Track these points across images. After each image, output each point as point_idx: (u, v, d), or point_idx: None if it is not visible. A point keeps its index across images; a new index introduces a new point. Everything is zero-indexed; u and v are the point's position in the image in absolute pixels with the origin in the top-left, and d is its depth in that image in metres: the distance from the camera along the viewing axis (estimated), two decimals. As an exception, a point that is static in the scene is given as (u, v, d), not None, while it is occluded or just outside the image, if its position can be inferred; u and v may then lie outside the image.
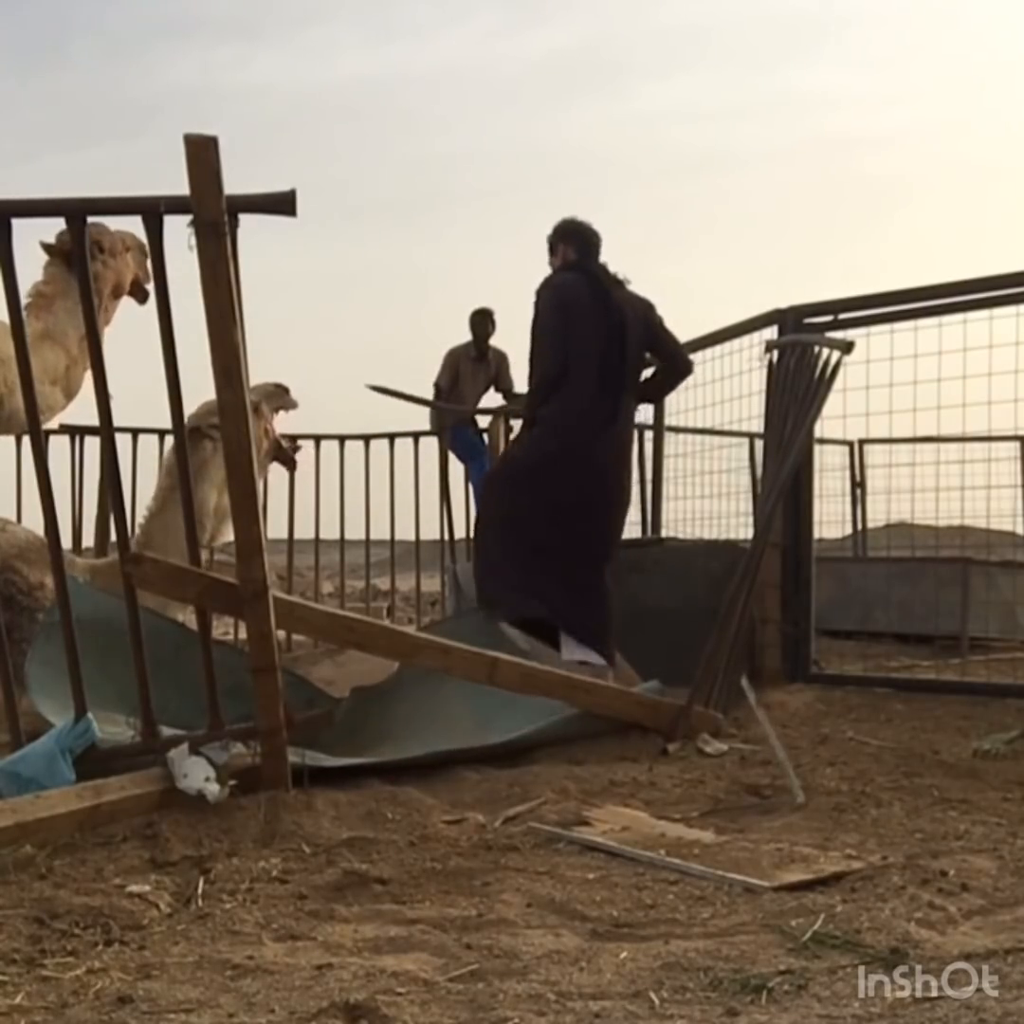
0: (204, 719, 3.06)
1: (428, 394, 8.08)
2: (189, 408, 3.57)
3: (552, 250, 4.76)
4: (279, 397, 4.76)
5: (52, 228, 4.06)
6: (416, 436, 7.37)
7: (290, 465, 5.32)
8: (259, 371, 4.52)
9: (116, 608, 3.17)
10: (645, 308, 4.72)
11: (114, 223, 4.19)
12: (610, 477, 4.55)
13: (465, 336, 8.22)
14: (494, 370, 8.23)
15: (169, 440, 4.58)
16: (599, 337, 4.50)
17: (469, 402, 8.01)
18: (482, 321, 8.13)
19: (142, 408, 4.64)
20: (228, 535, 4.61)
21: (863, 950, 1.94)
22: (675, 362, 4.93)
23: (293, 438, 5.15)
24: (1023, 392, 4.55)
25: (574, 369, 4.51)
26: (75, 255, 3.03)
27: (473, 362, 8.08)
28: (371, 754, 3.55)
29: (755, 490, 6.80)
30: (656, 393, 5.13)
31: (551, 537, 4.51)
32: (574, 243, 4.68)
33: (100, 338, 2.98)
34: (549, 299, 4.60)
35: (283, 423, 4.96)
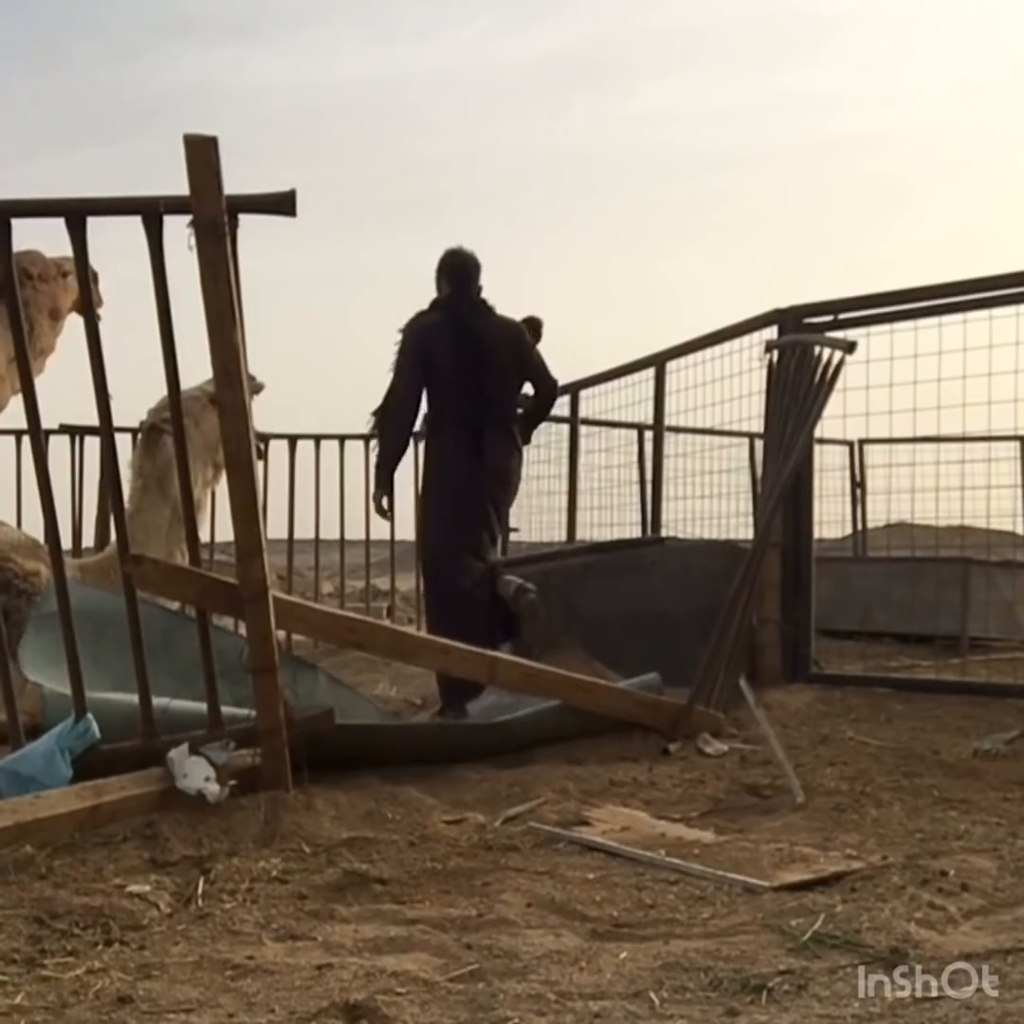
0: (198, 699, 3.07)
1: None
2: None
3: (436, 283, 4.87)
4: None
5: (52, 228, 4.07)
6: (415, 435, 7.35)
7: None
8: (258, 371, 4.51)
9: (102, 599, 3.17)
10: (512, 334, 4.85)
11: (114, 223, 4.20)
12: (482, 502, 4.71)
13: None
14: None
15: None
16: (458, 372, 4.65)
17: None
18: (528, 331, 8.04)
19: (142, 408, 4.63)
20: (202, 524, 4.61)
21: (863, 950, 1.94)
22: (539, 390, 5.05)
23: (263, 437, 4.87)
24: (1023, 392, 4.55)
25: (439, 406, 4.73)
26: (76, 255, 3.03)
27: None
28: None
29: (755, 490, 6.80)
30: (526, 425, 5.18)
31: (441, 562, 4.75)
32: (448, 277, 4.78)
33: (100, 347, 2.98)
34: (407, 339, 4.74)
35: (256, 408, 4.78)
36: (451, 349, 4.66)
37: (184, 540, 3.85)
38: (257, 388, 4.58)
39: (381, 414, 4.86)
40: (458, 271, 4.78)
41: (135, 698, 3.03)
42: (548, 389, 5.05)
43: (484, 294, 4.82)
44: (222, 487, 3.83)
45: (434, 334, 4.69)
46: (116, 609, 3.18)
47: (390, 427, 4.83)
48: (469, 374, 4.64)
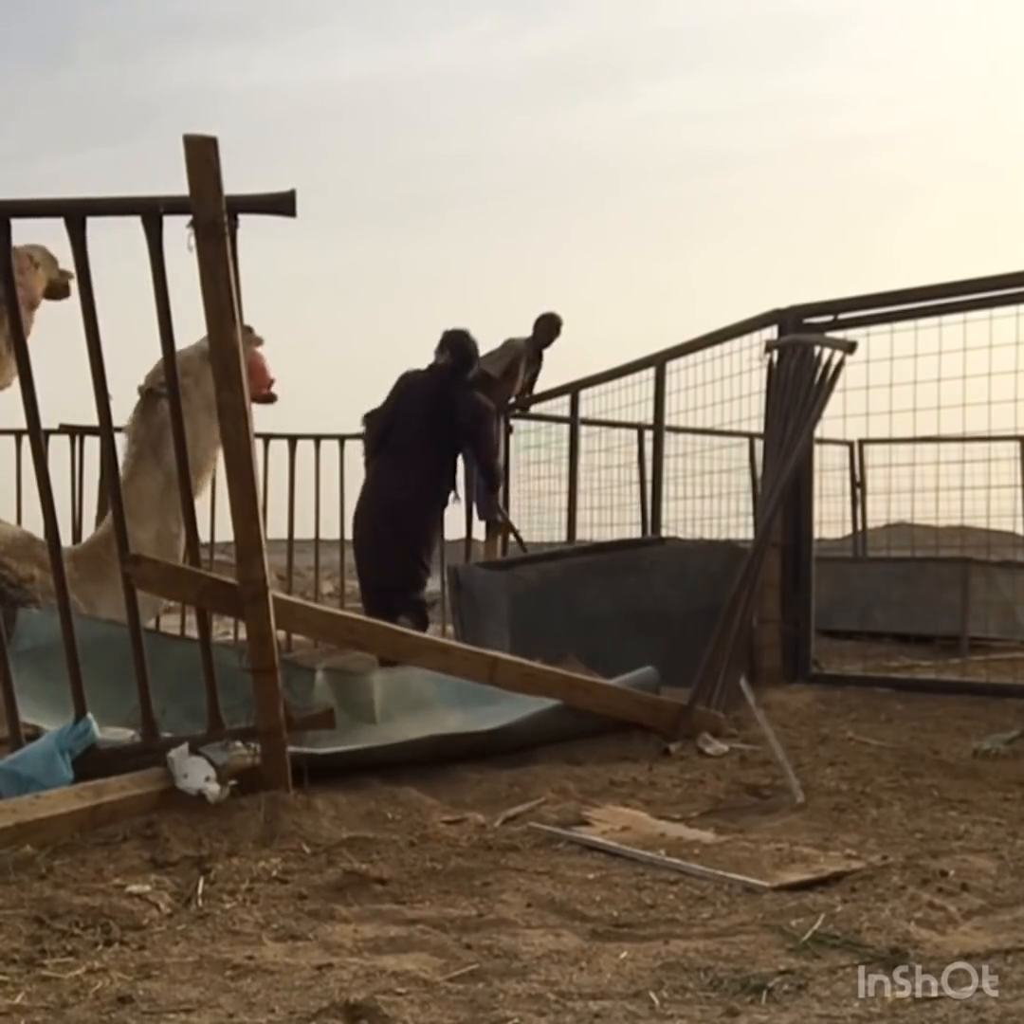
0: (186, 720, 3.07)
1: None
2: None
3: (438, 349, 5.92)
4: (244, 338, 4.61)
5: (52, 228, 4.06)
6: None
7: (268, 400, 5.11)
8: (259, 371, 4.49)
9: (82, 628, 3.13)
10: (477, 413, 5.92)
11: (114, 223, 4.21)
12: (375, 531, 5.86)
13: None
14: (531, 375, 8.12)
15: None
16: (417, 421, 5.73)
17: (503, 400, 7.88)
18: (548, 328, 8.01)
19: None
20: (204, 489, 4.56)
21: (863, 950, 1.94)
22: (478, 462, 6.19)
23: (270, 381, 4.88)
24: (1023, 392, 4.56)
25: (393, 442, 5.80)
26: (75, 256, 3.02)
27: (527, 362, 7.98)
28: (359, 743, 3.52)
29: (755, 490, 6.81)
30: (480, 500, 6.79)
31: (359, 570, 6.14)
32: (452, 351, 5.88)
33: (100, 347, 2.98)
34: (394, 385, 5.93)
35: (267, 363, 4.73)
36: (419, 400, 5.75)
37: (180, 508, 3.82)
38: (258, 341, 4.59)
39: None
40: (460, 350, 5.85)
41: (122, 732, 3.02)
42: (483, 463, 6.13)
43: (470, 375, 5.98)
44: (222, 486, 3.82)
45: (410, 384, 5.83)
46: (96, 636, 3.16)
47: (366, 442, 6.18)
48: (429, 424, 5.71)
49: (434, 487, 5.96)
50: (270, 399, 4.80)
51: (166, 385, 3.08)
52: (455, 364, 5.86)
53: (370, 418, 6.10)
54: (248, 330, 4.55)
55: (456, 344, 5.89)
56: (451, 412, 5.78)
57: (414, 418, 5.78)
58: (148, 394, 4.28)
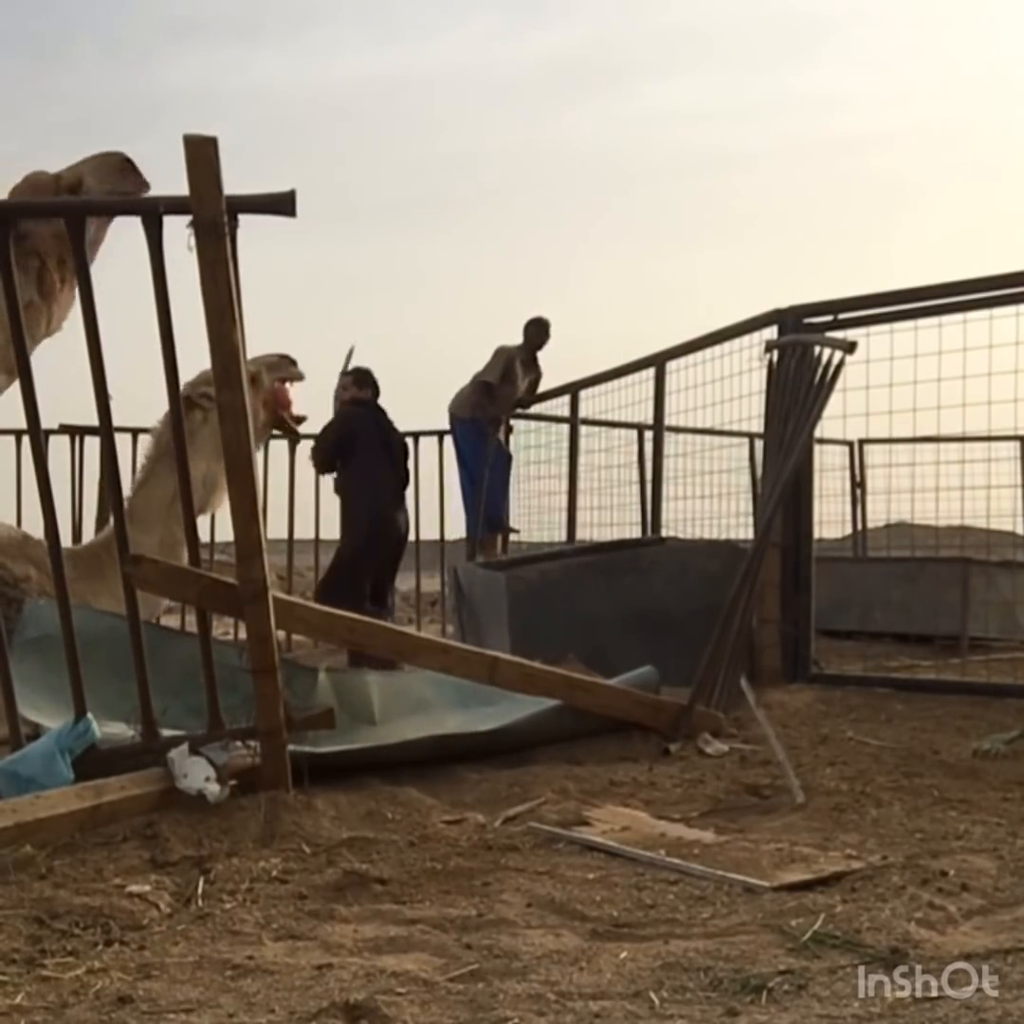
0: (188, 717, 3.07)
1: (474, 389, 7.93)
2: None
3: (358, 384, 6.55)
4: (282, 368, 4.69)
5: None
6: (416, 436, 7.37)
7: (292, 435, 5.28)
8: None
9: (86, 620, 3.12)
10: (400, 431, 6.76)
11: (114, 223, 4.21)
12: (393, 540, 6.48)
13: (464, 336, 8.20)
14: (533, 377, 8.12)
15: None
16: (380, 451, 6.37)
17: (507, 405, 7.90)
18: (538, 331, 8.01)
19: (142, 408, 4.63)
20: (221, 504, 4.56)
21: (863, 950, 1.94)
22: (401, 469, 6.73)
23: (298, 419, 4.97)
24: (1023, 392, 4.56)
25: (367, 471, 6.38)
26: (75, 256, 3.02)
27: (523, 366, 7.98)
28: (359, 743, 3.52)
29: (755, 490, 6.81)
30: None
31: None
32: (368, 386, 6.57)
33: (100, 347, 2.97)
34: (339, 427, 6.50)
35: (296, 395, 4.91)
36: (373, 431, 6.34)
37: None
38: (298, 376, 4.63)
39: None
40: (373, 385, 6.53)
41: (122, 730, 3.02)
42: (406, 472, 6.70)
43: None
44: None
45: (362, 421, 6.36)
46: (101, 629, 3.15)
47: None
48: (387, 450, 6.39)
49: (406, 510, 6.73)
50: (293, 431, 4.93)
51: (167, 386, 3.07)
52: (375, 395, 6.58)
53: (318, 450, 6.57)
54: (292, 363, 4.63)
55: (373, 381, 6.62)
56: (394, 439, 6.55)
57: (378, 448, 6.41)
58: (184, 401, 4.29)
